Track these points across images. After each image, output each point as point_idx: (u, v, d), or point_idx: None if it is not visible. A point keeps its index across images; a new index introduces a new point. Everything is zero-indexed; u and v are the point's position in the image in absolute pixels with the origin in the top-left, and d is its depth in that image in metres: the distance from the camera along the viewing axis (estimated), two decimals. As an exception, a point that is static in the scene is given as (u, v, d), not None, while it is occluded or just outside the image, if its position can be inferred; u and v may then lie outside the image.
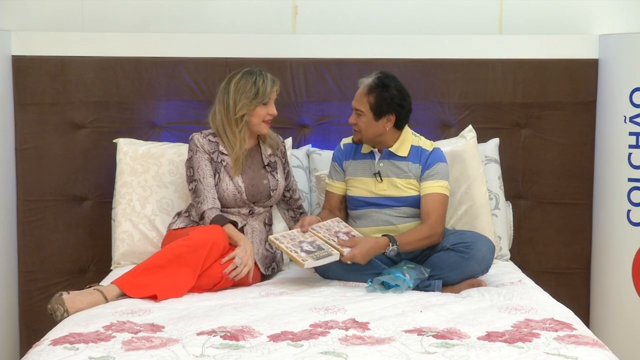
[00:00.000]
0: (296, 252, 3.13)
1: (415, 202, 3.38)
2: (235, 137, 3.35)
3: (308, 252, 3.14)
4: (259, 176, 3.42)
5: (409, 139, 3.41)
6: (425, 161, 3.37)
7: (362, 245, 3.18)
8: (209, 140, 3.40)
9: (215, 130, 3.40)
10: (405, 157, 3.38)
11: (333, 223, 3.33)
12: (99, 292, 2.96)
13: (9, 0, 3.82)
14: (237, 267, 3.15)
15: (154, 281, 3.02)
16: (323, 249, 3.18)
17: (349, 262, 3.17)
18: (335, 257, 3.17)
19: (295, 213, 3.58)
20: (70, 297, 2.88)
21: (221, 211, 3.35)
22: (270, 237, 3.23)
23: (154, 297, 2.99)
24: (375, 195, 3.39)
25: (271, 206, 3.50)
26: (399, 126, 3.37)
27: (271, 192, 3.43)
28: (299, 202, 3.58)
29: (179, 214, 3.45)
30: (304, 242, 3.20)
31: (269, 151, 3.47)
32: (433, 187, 3.34)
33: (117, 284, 3.01)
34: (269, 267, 3.39)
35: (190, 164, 3.39)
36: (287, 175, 3.54)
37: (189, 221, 3.38)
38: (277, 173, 3.46)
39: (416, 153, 3.39)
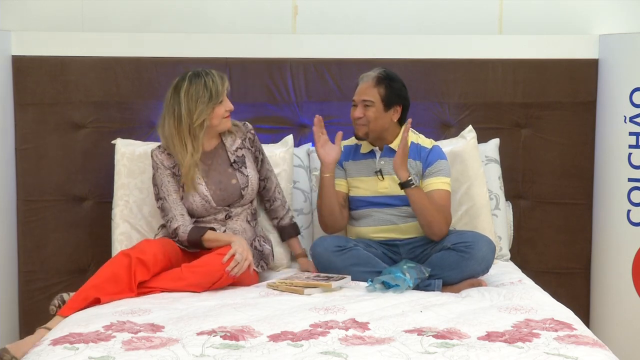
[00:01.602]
0: (314, 281, 3.13)
1: None
2: (184, 150, 3.24)
3: (320, 279, 3.15)
4: (227, 177, 3.34)
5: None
6: (426, 159, 3.39)
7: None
8: (168, 154, 3.32)
9: (164, 144, 3.31)
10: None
11: (297, 275, 3.31)
12: (42, 329, 2.91)
13: (9, 0, 3.82)
14: (238, 262, 3.14)
15: (92, 293, 2.98)
16: (332, 276, 3.19)
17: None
18: (348, 279, 3.18)
19: (270, 204, 3.52)
20: (14, 346, 2.82)
21: (196, 222, 3.32)
22: (268, 282, 3.21)
23: (97, 301, 2.97)
24: (377, 194, 3.40)
25: (251, 202, 3.42)
26: (401, 121, 3.40)
27: (242, 192, 3.35)
28: (270, 193, 3.50)
29: (163, 226, 3.40)
30: (309, 277, 3.20)
31: (236, 145, 3.39)
32: (436, 183, 3.35)
33: (60, 314, 2.96)
34: (258, 265, 3.36)
35: (154, 182, 3.34)
36: (261, 164, 3.45)
37: (174, 236, 3.33)
38: (246, 168, 3.37)
39: (416, 150, 3.41)
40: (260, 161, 3.46)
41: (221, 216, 3.34)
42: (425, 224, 3.30)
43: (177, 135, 3.26)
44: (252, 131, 3.46)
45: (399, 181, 3.28)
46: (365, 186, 3.42)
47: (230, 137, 3.40)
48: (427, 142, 3.45)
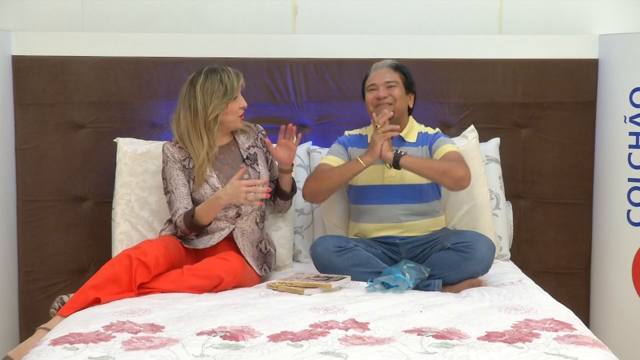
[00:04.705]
0: (313, 281, 3.12)
1: (423, 195, 3.42)
2: (200, 143, 3.26)
3: (320, 280, 3.13)
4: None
5: (416, 126, 3.52)
6: (432, 140, 3.48)
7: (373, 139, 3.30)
8: (179, 147, 3.34)
9: (178, 138, 3.33)
10: (414, 142, 3.46)
11: (297, 275, 3.29)
12: (42, 330, 2.91)
13: (9, 0, 3.82)
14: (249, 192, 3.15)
15: (92, 293, 2.98)
16: (332, 277, 3.18)
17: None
18: (347, 279, 3.17)
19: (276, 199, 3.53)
20: (15, 352, 2.82)
21: None
22: (268, 283, 3.20)
23: (97, 301, 2.96)
24: (382, 183, 3.40)
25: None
26: (410, 110, 3.52)
27: None
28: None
29: (170, 221, 3.40)
30: (309, 278, 3.18)
31: (248, 143, 3.41)
32: (444, 148, 3.42)
33: (59, 314, 2.95)
34: (261, 269, 3.37)
35: (163, 176, 3.35)
36: (271, 165, 3.47)
37: (177, 229, 3.34)
38: (258, 165, 3.38)
39: (423, 138, 3.49)
40: (271, 162, 3.47)
41: (232, 213, 3.33)
42: (441, 175, 3.31)
43: (193, 129, 3.28)
44: (264, 132, 3.48)
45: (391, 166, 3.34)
46: (371, 174, 3.42)
47: (242, 135, 3.42)
48: (432, 131, 3.54)
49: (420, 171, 3.32)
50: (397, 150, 3.31)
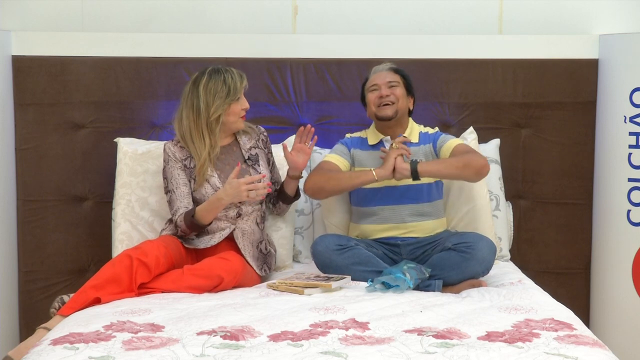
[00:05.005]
0: (314, 281, 3.11)
1: (425, 195, 3.41)
2: (202, 143, 3.27)
3: (320, 280, 3.13)
4: (240, 173, 3.33)
5: (416, 127, 3.54)
6: (434, 138, 3.49)
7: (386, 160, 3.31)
8: (181, 147, 3.34)
9: (180, 137, 3.33)
10: (416, 142, 3.47)
11: (297, 275, 3.28)
12: (42, 329, 2.91)
13: (9, 0, 3.83)
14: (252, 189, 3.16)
15: (92, 293, 2.98)
16: (332, 277, 3.17)
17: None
18: (347, 279, 3.17)
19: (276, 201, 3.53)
20: (15, 351, 2.82)
21: None
22: (268, 283, 3.20)
23: (98, 301, 2.96)
24: (387, 184, 3.39)
25: (261, 203, 3.43)
26: (410, 113, 3.53)
27: None
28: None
29: (170, 220, 3.40)
30: (309, 278, 3.17)
31: (249, 144, 3.42)
32: (451, 144, 3.42)
33: (60, 314, 2.95)
34: (262, 269, 3.37)
35: (164, 175, 3.35)
36: (272, 166, 3.49)
37: (177, 229, 3.34)
38: (259, 166, 3.39)
39: (425, 137, 3.50)
40: (272, 163, 3.48)
41: (232, 213, 3.33)
42: (461, 170, 3.31)
43: (195, 129, 3.28)
44: (265, 134, 3.49)
45: (412, 180, 3.32)
46: None
47: (244, 136, 3.43)
48: (432, 130, 3.55)
49: (440, 173, 3.32)
50: (412, 160, 3.30)
